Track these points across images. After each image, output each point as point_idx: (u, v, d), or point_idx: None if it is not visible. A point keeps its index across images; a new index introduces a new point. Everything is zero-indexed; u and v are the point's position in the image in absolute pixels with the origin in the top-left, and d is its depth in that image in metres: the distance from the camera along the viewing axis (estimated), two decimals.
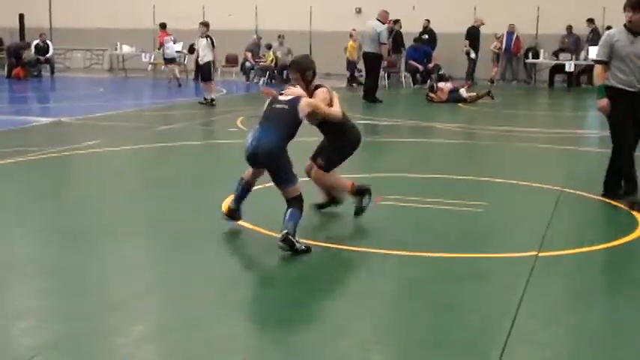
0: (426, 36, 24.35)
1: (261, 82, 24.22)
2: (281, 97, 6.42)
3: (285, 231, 5.94)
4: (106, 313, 4.82)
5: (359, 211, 7.10)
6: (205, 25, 17.78)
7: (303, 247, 5.99)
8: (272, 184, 6.29)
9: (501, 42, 24.50)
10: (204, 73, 17.69)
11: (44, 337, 4.44)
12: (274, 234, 6.26)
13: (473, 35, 23.41)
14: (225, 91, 21.71)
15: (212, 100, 17.33)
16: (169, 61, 23.22)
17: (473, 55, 23.49)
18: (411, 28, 24.23)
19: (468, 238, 6.71)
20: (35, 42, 25.72)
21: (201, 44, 17.66)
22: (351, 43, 23.57)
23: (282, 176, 6.15)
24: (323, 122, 6.81)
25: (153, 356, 4.30)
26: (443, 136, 13.36)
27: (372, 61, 18.63)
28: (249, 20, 26.56)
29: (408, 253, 6.08)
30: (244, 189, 6.71)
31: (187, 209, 7.61)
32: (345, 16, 25.58)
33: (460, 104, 18.27)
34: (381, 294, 5.33)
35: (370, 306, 5.10)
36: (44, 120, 14.35)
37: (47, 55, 25.88)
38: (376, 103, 18.33)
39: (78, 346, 4.34)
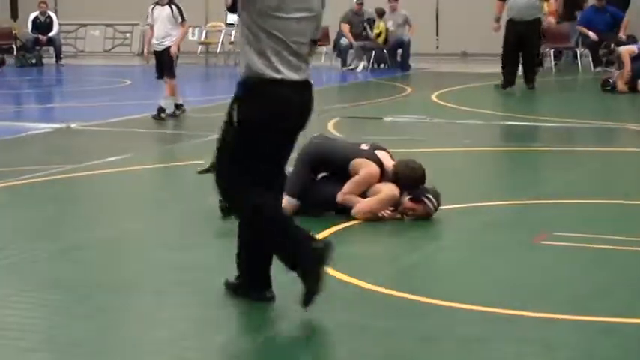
0: None
1: (360, 67, 24.08)
2: None
3: None
4: None
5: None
6: None
7: None
8: None
9: None
10: (165, 64, 15.63)
11: None
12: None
13: None
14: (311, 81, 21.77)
15: (181, 105, 15.95)
16: None
17: None
18: None
19: None
20: (33, 15, 26.32)
21: (161, 17, 15.59)
22: None
23: None
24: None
25: None
26: (632, 144, 13.07)
27: (532, 30, 19.21)
28: None
29: (592, 319, 6.04)
30: None
31: None
32: None
33: None
34: None
35: None
36: (45, 127, 14.72)
37: (50, 35, 26.45)
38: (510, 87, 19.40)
39: None
